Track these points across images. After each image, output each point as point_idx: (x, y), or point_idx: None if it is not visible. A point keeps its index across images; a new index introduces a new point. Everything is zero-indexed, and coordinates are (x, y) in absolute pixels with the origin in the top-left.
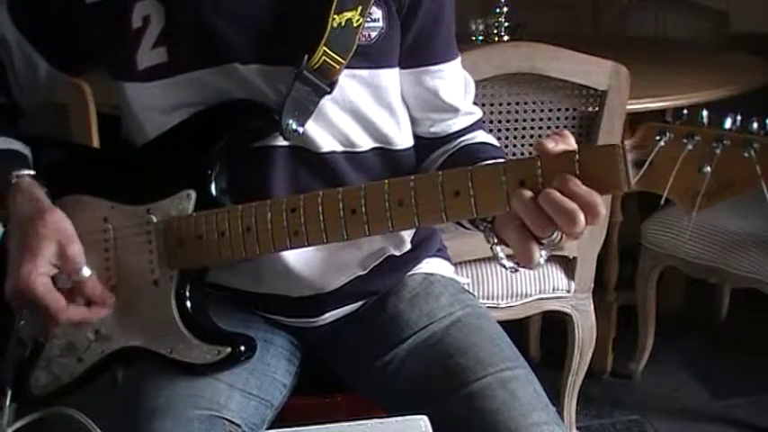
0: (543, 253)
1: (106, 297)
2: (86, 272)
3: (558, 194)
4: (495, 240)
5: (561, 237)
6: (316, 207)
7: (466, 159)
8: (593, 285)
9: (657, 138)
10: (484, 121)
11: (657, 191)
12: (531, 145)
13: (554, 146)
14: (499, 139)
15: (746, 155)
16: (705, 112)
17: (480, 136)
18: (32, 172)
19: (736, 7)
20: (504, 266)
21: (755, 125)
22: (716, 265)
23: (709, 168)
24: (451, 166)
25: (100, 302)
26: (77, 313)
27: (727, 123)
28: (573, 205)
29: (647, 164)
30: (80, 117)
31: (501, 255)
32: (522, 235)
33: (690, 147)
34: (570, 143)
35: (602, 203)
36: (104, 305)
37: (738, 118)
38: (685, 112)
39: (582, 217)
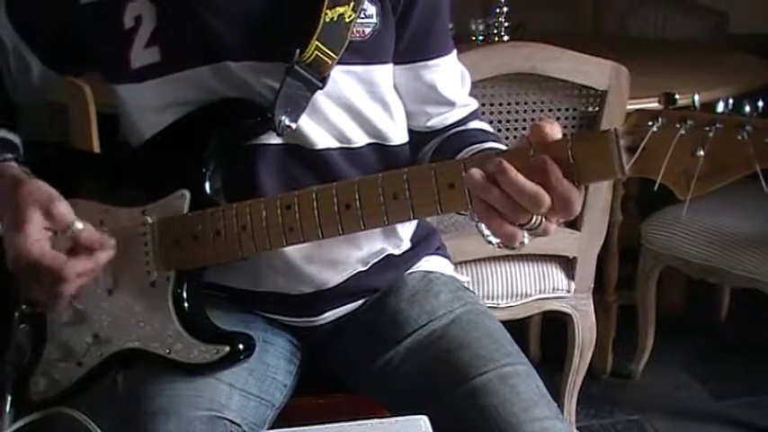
0: (525, 233)
1: (105, 241)
2: (79, 225)
3: (515, 176)
4: (478, 219)
5: (540, 220)
6: (310, 203)
7: (456, 143)
8: (593, 285)
9: (650, 123)
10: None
11: (651, 176)
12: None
13: (549, 130)
14: None
15: (740, 137)
16: (696, 97)
17: (473, 124)
18: (14, 156)
19: (736, 7)
20: (491, 243)
21: (747, 108)
22: (716, 265)
23: (702, 152)
24: (442, 151)
25: (100, 248)
26: (80, 264)
27: (720, 107)
28: (532, 186)
29: (640, 149)
30: (80, 117)
31: (486, 232)
32: (497, 221)
33: (683, 131)
34: (556, 132)
35: (570, 189)
36: (105, 249)
37: (730, 101)
38: (677, 97)
39: (545, 197)
